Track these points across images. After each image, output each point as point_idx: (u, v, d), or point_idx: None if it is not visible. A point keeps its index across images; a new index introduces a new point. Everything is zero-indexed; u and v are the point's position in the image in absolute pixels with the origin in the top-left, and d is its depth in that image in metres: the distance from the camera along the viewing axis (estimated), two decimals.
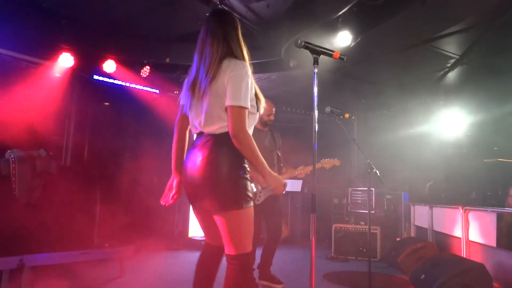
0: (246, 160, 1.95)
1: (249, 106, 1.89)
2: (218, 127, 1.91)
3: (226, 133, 1.88)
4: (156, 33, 5.60)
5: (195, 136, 2.07)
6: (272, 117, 4.03)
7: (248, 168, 1.97)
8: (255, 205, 3.72)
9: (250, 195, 1.93)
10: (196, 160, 1.92)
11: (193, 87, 1.99)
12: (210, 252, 2.11)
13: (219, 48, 1.95)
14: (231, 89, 1.85)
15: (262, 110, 2.09)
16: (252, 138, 1.88)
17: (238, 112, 1.84)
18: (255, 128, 4.15)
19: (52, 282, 3.75)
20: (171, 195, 2.13)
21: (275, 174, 2.02)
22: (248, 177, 1.95)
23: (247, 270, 1.92)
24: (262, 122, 4.03)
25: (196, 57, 2.03)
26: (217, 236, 1.98)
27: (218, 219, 1.90)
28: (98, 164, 5.59)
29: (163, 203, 2.16)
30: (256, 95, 2.01)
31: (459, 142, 6.56)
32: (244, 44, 2.04)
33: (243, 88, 1.86)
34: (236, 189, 1.87)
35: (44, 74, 5.30)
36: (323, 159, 4.02)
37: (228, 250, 1.90)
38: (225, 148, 1.88)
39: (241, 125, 1.84)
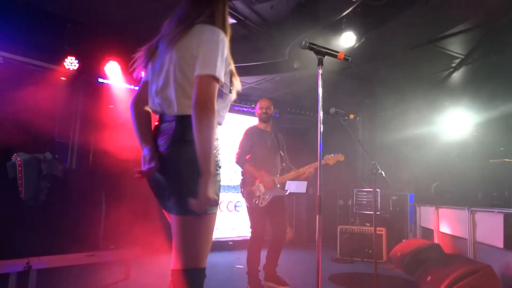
0: (217, 153, 1.61)
1: (222, 79, 1.54)
2: (183, 106, 1.57)
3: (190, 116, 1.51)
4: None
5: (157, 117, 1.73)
6: (269, 111, 4.05)
7: (219, 162, 1.62)
8: (259, 208, 3.75)
9: (217, 198, 1.58)
10: (161, 152, 1.59)
11: (150, 54, 1.71)
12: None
13: (196, 7, 1.65)
14: (203, 56, 1.51)
15: (235, 94, 1.74)
16: (216, 119, 1.48)
17: (207, 82, 1.47)
18: (257, 129, 4.16)
19: (58, 285, 3.76)
20: (146, 169, 1.63)
21: (211, 187, 1.50)
22: (219, 175, 1.61)
23: None
24: (262, 118, 4.05)
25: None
26: None
27: (175, 221, 1.59)
28: (103, 167, 5.60)
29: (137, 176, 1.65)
30: (231, 71, 1.69)
31: (465, 142, 6.52)
32: (227, 20, 1.73)
33: (218, 56, 1.52)
34: (214, 185, 1.54)
35: (49, 77, 5.33)
36: (326, 155, 4.02)
37: (180, 264, 1.58)
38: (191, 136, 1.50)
39: (209, 95, 1.46)
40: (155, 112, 1.72)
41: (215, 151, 1.54)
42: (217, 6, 1.68)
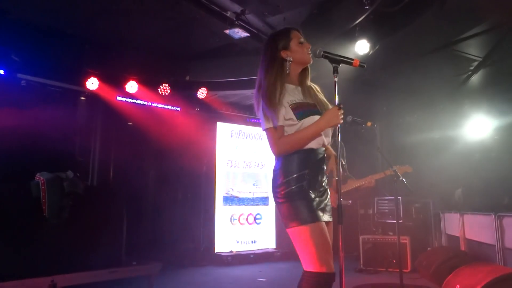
0: (294, 174, 1.95)
1: (276, 124, 1.96)
2: None
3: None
4: (175, 52, 5.72)
5: None
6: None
7: (300, 182, 1.95)
8: None
9: (308, 211, 1.91)
10: None
11: None
12: None
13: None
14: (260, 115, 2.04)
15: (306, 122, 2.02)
16: (285, 139, 1.96)
17: (267, 135, 2.01)
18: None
19: None
20: None
21: (324, 115, 2.02)
22: (302, 191, 1.93)
23: None
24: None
25: None
26: None
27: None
28: (123, 183, 5.68)
29: None
30: (291, 105, 2.04)
31: (486, 146, 6.37)
32: (277, 62, 2.16)
33: (261, 113, 2.02)
34: (291, 205, 1.92)
35: (70, 97, 5.48)
36: (394, 166, 3.90)
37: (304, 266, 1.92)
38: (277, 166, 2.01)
39: (272, 143, 1.97)
40: None
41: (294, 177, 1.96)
42: (262, 61, 2.15)
